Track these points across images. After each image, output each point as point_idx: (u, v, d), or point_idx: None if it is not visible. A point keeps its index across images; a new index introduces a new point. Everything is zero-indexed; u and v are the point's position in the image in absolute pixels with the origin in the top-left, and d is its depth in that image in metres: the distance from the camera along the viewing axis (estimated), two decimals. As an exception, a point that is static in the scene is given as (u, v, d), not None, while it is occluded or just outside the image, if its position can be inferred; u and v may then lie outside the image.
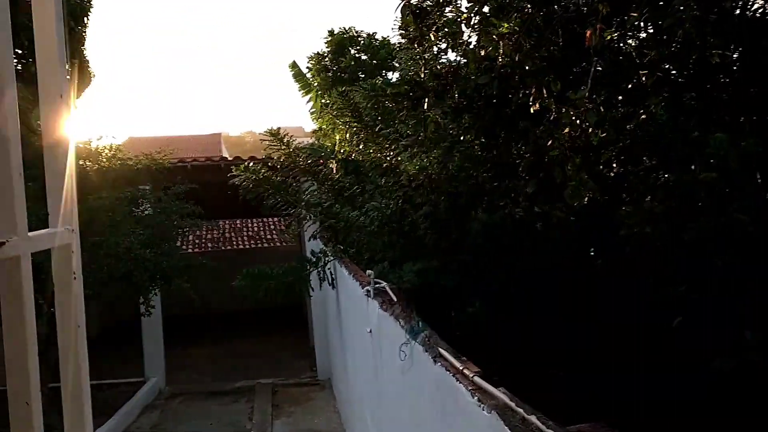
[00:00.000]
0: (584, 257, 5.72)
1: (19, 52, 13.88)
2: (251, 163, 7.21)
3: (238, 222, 21.11)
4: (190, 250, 17.74)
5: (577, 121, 3.56)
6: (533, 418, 1.96)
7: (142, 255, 8.52)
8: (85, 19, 15.82)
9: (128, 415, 9.62)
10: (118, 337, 13.95)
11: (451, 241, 6.87)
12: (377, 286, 4.71)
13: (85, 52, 16.11)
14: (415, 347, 3.30)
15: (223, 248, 18.94)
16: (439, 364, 2.89)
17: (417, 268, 6.27)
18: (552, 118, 3.79)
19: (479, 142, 5.61)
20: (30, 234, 0.98)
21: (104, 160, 9.68)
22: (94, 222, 8.29)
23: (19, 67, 14.21)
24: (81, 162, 9.29)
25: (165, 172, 10.23)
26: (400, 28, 5.49)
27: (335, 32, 15.10)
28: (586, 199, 3.78)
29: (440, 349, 2.97)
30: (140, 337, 11.34)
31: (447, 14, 5.29)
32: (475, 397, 2.38)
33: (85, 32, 16.07)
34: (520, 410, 2.05)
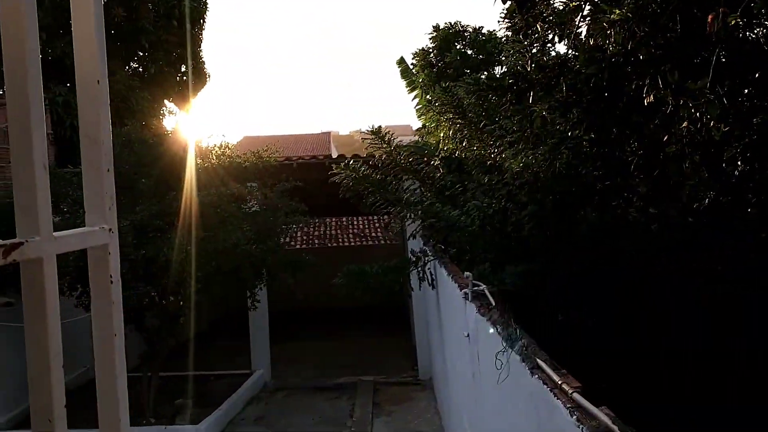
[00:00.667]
0: (705, 265, 5.25)
1: (140, 54, 14.63)
2: (351, 161, 7.18)
3: (344, 219, 21.36)
4: (297, 247, 18.12)
5: (697, 115, 3.23)
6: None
7: (249, 251, 8.70)
8: (202, 21, 16.47)
9: (234, 406, 9.87)
10: (226, 330, 14.43)
11: (558, 243, 6.56)
12: (476, 288, 4.52)
13: (201, 54, 16.79)
14: (512, 356, 3.10)
15: (328, 245, 19.19)
16: (536, 376, 2.68)
17: (520, 270, 6.01)
18: (668, 111, 3.46)
19: (588, 138, 5.29)
20: (56, 234, 0.89)
21: (214, 158, 9.98)
22: (203, 218, 8.54)
23: (140, 69, 14.99)
24: (193, 160, 9.61)
25: (272, 169, 10.43)
26: (505, 17, 5.26)
27: (440, 27, 14.91)
28: (706, 200, 3.43)
29: (538, 359, 2.76)
30: (248, 331, 11.63)
31: (555, 4, 5.02)
32: (574, 416, 2.16)
33: (201, 35, 16.74)
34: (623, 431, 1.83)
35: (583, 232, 6.11)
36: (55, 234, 0.89)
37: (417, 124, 15.15)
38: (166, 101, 15.45)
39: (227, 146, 10.32)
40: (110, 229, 1.00)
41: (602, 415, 2.03)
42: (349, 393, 10.76)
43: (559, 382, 2.44)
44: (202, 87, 16.94)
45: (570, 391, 2.32)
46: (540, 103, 5.37)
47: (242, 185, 9.59)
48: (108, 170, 1.00)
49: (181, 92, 15.23)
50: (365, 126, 8.07)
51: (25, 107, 0.86)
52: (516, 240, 6.47)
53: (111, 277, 1.00)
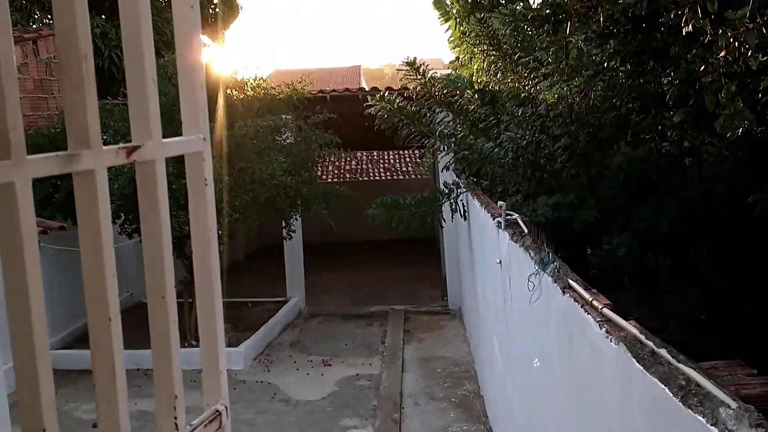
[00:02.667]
0: (740, 198, 5.29)
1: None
2: (386, 93, 7.24)
3: (375, 154, 21.42)
4: (329, 180, 18.31)
5: (735, 44, 3.26)
6: (663, 351, 1.87)
7: (284, 181, 8.90)
8: (233, -49, 16.29)
9: (272, 331, 10.28)
10: (263, 260, 14.82)
11: (591, 176, 6.62)
12: (508, 217, 4.65)
13: (232, -15, 16.65)
14: (543, 278, 3.26)
15: (360, 179, 19.34)
16: (568, 295, 2.84)
17: (552, 202, 6.11)
18: (706, 41, 3.49)
19: (624, 70, 5.29)
20: (164, 140, 1.05)
21: (249, 90, 10.09)
22: (240, 149, 8.72)
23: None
24: (228, 91, 9.74)
25: (305, 102, 10.51)
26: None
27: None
28: (740, 130, 3.48)
29: (570, 280, 2.91)
30: (283, 262, 11.96)
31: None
32: (603, 329, 2.32)
33: (232, -35, 16.57)
34: (650, 343, 1.97)
35: (617, 165, 6.17)
36: (163, 140, 1.05)
37: (448, 57, 14.99)
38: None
39: (261, 79, 10.41)
40: (204, 138, 1.15)
41: (630, 326, 2.18)
42: (380, 321, 11.10)
43: (590, 300, 2.59)
44: (234, 19, 16.90)
45: (600, 307, 2.47)
46: (576, 34, 5.36)
47: (277, 117, 9.72)
48: (201, 86, 1.15)
49: (213, 24, 15.25)
50: (395, 59, 8.10)
51: (134, 25, 1.00)
52: (549, 172, 6.55)
53: (205, 179, 1.15)
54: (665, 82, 4.26)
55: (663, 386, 1.74)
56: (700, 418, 1.53)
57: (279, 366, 9.25)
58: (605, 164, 6.46)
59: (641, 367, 1.90)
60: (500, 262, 4.98)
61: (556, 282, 3.01)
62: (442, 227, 9.58)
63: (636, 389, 1.98)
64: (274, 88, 10.43)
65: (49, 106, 10.20)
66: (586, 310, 2.57)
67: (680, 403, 1.63)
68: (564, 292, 2.87)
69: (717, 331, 5.23)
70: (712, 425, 1.48)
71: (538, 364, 3.53)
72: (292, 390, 8.42)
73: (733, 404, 1.47)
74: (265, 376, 8.89)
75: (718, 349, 4.37)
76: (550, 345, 3.28)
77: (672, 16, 3.48)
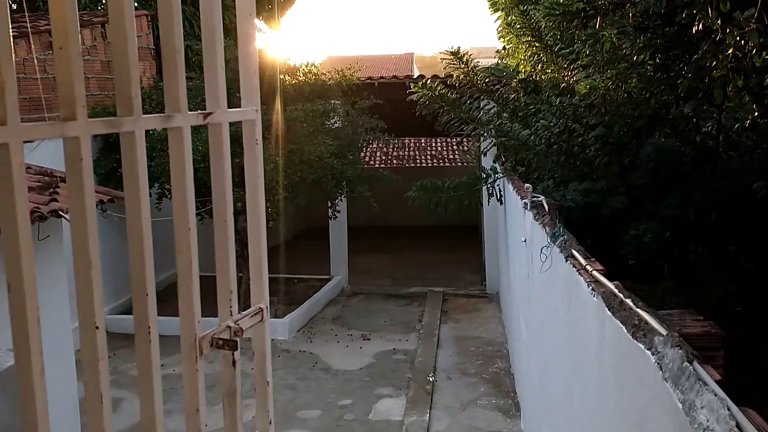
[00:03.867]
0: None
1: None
2: (428, 81, 7.61)
3: (422, 141, 21.73)
4: (375, 165, 18.73)
5: (742, 42, 3.56)
6: (628, 301, 2.24)
7: (331, 163, 9.38)
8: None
9: (315, 306, 10.81)
10: (310, 240, 15.37)
11: (623, 165, 6.88)
12: (534, 199, 5.00)
13: (288, -28, 17.16)
14: (554, 250, 3.61)
15: (406, 165, 19.70)
16: (569, 262, 3.19)
17: (582, 188, 6.40)
18: (716, 39, 3.78)
19: (653, 63, 5.55)
20: (228, 110, 1.48)
21: (300, 75, 10.57)
22: (290, 131, 9.22)
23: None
24: (281, 76, 10.24)
25: (354, 88, 10.95)
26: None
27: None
28: (747, 122, 3.78)
29: (573, 250, 3.26)
30: (328, 243, 12.47)
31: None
32: (590, 287, 2.68)
33: (289, -47, 17.07)
34: (620, 295, 2.34)
35: (646, 155, 6.42)
36: (228, 110, 1.48)
37: (499, 45, 15.16)
38: (256, 20, 16.02)
39: (313, 65, 10.88)
40: (256, 110, 1.58)
41: (610, 284, 2.54)
42: (419, 301, 11.52)
43: (585, 265, 2.95)
44: (291, 6, 17.43)
45: (591, 270, 2.83)
46: (609, 28, 5.64)
47: (326, 102, 10.19)
48: (256, 70, 1.58)
49: (270, 11, 15.79)
50: (450, 47, 8.39)
51: (209, 15, 1.43)
52: (581, 159, 6.83)
53: (256, 140, 1.58)
54: (681, 74, 4.54)
55: (621, 325, 2.11)
56: (641, 345, 1.90)
57: (321, 338, 9.76)
58: (639, 154, 6.71)
59: (610, 313, 2.27)
60: (525, 240, 5.34)
61: (561, 252, 3.37)
62: (479, 210, 9.92)
63: (607, 332, 2.34)
64: (325, 74, 10.89)
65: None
66: (580, 274, 2.93)
67: (631, 336, 1.99)
68: (566, 260, 3.23)
69: (750, 322, 5.47)
70: (647, 350, 1.84)
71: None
72: (332, 360, 8.92)
73: (664, 332, 1.82)
74: (308, 346, 9.42)
75: (749, 339, 4.66)
76: (556, 308, 3.65)
77: (684, 14, 3.78)
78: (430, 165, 20.21)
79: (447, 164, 20.22)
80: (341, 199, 10.66)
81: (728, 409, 1.42)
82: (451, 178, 8.84)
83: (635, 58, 5.53)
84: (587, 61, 6.84)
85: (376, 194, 10.47)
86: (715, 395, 1.49)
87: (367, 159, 15.15)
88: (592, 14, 4.78)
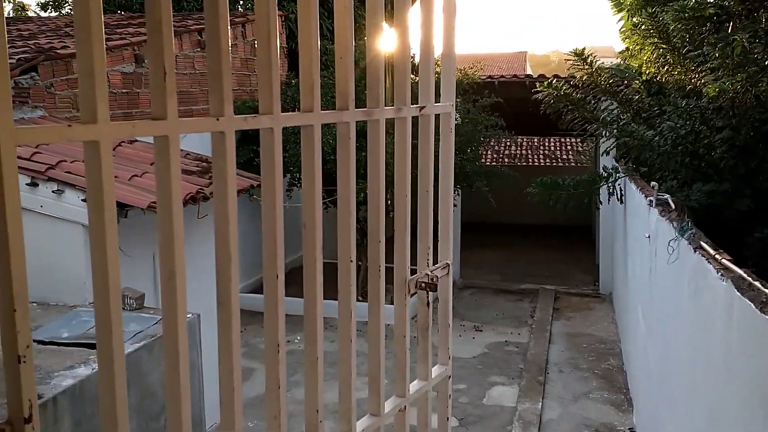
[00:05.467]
0: None
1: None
2: (554, 81, 7.85)
3: (535, 140, 21.75)
4: (488, 163, 18.96)
5: None
6: (757, 283, 2.48)
7: (451, 159, 9.76)
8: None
9: (428, 296, 11.22)
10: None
11: (749, 168, 6.86)
12: (659, 196, 5.19)
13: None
14: (681, 243, 3.83)
15: (518, 164, 19.81)
16: (698, 253, 3.42)
17: (707, 189, 6.47)
18: None
19: (787, 67, 5.58)
20: (436, 104, 1.90)
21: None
22: (415, 128, 9.66)
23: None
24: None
25: (474, 86, 11.28)
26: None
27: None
28: None
29: (701, 242, 3.48)
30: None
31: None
32: (719, 273, 2.91)
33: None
34: (749, 278, 2.57)
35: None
36: (435, 104, 1.89)
37: (619, 45, 15.03)
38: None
39: (436, 63, 11.28)
40: (452, 104, 1.99)
41: (739, 270, 2.77)
42: (530, 298, 11.71)
43: (714, 254, 3.18)
44: (412, 4, 17.89)
45: (720, 259, 3.06)
46: (741, 32, 5.71)
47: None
48: (453, 71, 1.99)
49: (392, 9, 16.31)
50: (562, 46, 8.60)
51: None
52: (706, 161, 6.87)
53: (451, 129, 1.99)
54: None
55: (750, 303, 2.36)
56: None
57: (434, 327, 10.17)
58: (766, 158, 6.69)
59: (739, 294, 2.52)
60: (648, 236, 5.52)
61: (690, 244, 3.60)
62: (598, 209, 10.03)
63: (735, 312, 2.59)
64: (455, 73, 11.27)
65: (252, 82, 11.70)
66: (709, 262, 3.16)
67: (759, 311, 2.25)
68: (695, 251, 3.45)
69: None
70: (775, 321, 2.11)
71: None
72: (446, 347, 9.31)
73: (792, 306, 2.08)
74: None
75: None
76: (681, 298, 3.86)
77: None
78: (542, 164, 20.24)
79: (560, 164, 20.18)
80: (457, 194, 11.02)
81: None
82: (564, 177, 9.02)
83: (766, 62, 5.57)
84: (716, 64, 6.87)
85: (492, 190, 10.76)
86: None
87: (485, 152, 15.45)
88: (725, 18, 4.91)
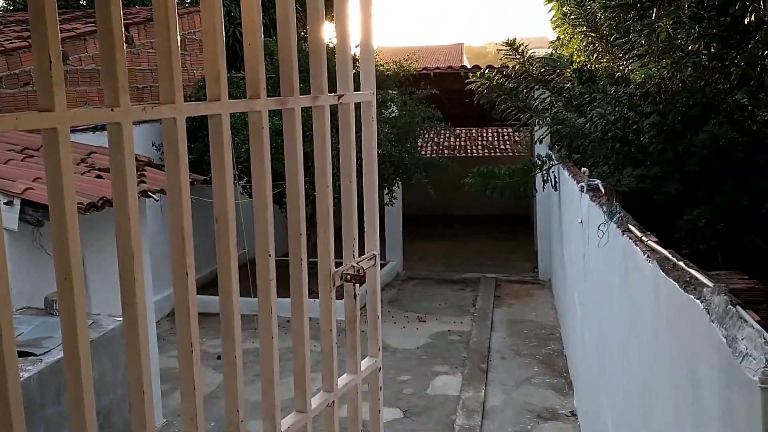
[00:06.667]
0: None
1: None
2: (486, 71, 7.91)
3: (473, 131, 21.94)
4: (427, 155, 19.04)
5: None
6: (681, 263, 2.54)
7: (389, 151, 9.75)
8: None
9: (371, 289, 11.21)
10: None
11: (677, 152, 7.06)
12: (590, 182, 5.28)
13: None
14: (611, 227, 3.90)
15: (458, 155, 19.94)
16: (626, 236, 3.48)
17: (637, 174, 6.61)
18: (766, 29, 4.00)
19: (708, 53, 5.74)
20: (354, 92, 1.85)
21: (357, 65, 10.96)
22: (351, 120, 9.62)
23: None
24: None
25: (410, 78, 11.29)
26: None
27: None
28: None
29: (629, 225, 3.55)
30: (383, 226, 12.86)
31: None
32: (646, 255, 2.97)
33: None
34: (673, 259, 2.63)
35: (701, 142, 6.59)
36: (354, 93, 1.85)
37: (552, 35, 15.30)
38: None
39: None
40: (372, 93, 1.95)
41: (665, 251, 2.83)
42: (472, 286, 11.83)
43: (641, 237, 3.24)
44: (345, -1, 17.77)
45: (647, 241, 3.12)
46: (665, 19, 5.85)
47: (384, 92, 10.55)
48: (372, 60, 1.94)
49: (328, 3, 16.19)
50: (499, 37, 8.67)
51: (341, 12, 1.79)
52: (636, 147, 7.04)
53: (372, 118, 1.95)
54: (727, 64, 4.74)
55: (674, 283, 2.41)
56: (692, 296, 2.20)
57: (363, 319, 10.17)
58: (693, 141, 6.89)
59: (664, 274, 2.57)
60: (581, 221, 5.62)
61: (618, 227, 3.66)
62: (534, 197, 10.17)
63: (662, 291, 2.64)
64: (382, 65, 11.26)
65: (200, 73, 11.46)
66: (637, 245, 3.22)
67: (683, 291, 2.30)
68: (623, 234, 3.52)
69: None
70: (697, 299, 2.15)
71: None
72: (390, 340, 9.31)
73: (711, 284, 2.13)
74: (365, 326, 9.83)
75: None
76: (612, 282, 3.94)
77: (737, 6, 4.01)
78: (481, 155, 20.44)
79: (498, 154, 20.42)
80: (398, 186, 11.03)
81: (764, 339, 1.72)
82: (501, 166, 9.13)
83: (690, 47, 5.73)
84: (643, 50, 7.04)
85: (431, 182, 10.81)
86: (753, 328, 1.79)
87: (423, 145, 15.51)
88: (648, 5, 5.02)
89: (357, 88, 1.91)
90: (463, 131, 21.71)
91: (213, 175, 1.50)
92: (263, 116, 1.55)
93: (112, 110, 1.23)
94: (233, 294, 1.54)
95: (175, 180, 1.37)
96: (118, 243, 1.28)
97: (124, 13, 1.23)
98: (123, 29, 1.24)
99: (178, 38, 1.36)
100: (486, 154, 20.59)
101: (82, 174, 5.84)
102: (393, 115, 10.94)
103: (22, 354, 4.26)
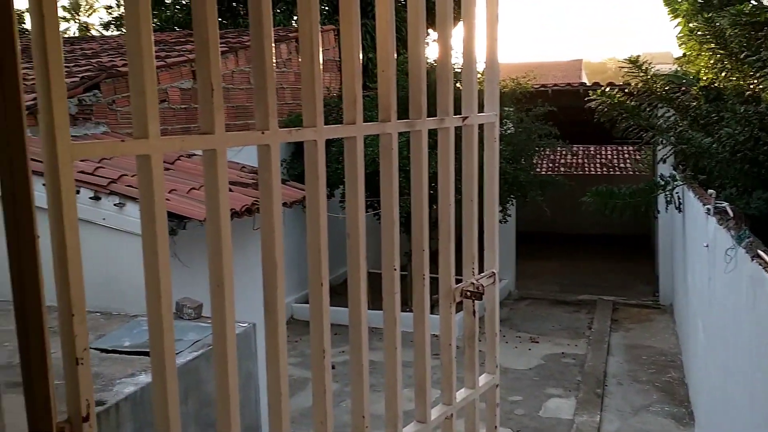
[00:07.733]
0: None
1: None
2: (608, 88, 7.74)
3: (591, 148, 21.38)
4: (543, 173, 18.73)
5: None
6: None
7: (503, 168, 9.70)
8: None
9: (482, 307, 11.14)
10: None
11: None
12: (717, 205, 5.06)
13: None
14: (738, 251, 3.73)
15: (574, 173, 19.49)
16: (756, 262, 3.32)
17: (767, 197, 6.27)
18: None
19: None
20: (478, 114, 1.92)
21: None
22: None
23: None
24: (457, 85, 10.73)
25: (527, 95, 11.20)
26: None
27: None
28: None
29: (759, 250, 3.39)
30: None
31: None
32: (777, 282, 2.83)
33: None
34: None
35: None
36: (478, 114, 1.92)
37: (677, 52, 14.71)
38: (429, 29, 16.66)
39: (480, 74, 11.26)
40: (496, 114, 2.01)
41: (799, 279, 2.69)
42: (588, 309, 11.50)
43: (772, 263, 3.09)
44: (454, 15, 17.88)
45: (778, 267, 2.97)
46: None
47: (501, 109, 10.53)
48: (497, 81, 2.01)
49: (434, 21, 16.32)
50: (619, 53, 8.47)
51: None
52: (766, 168, 6.67)
53: (495, 138, 2.01)
54: None
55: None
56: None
57: (481, 336, 10.09)
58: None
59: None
60: (707, 245, 5.39)
61: (747, 253, 3.50)
62: (656, 218, 9.81)
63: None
64: (499, 82, 11.23)
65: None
66: (767, 271, 3.07)
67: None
68: (752, 260, 3.36)
69: None
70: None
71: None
72: (501, 359, 9.18)
73: None
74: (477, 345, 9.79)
75: None
76: (739, 308, 3.75)
77: None
78: (599, 173, 19.87)
79: (617, 172, 19.78)
80: (512, 203, 10.94)
81: None
82: (620, 185, 8.86)
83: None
84: (777, 68, 6.68)
85: (546, 200, 10.65)
86: None
87: (538, 162, 15.30)
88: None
89: (479, 108, 1.97)
90: (581, 149, 21.21)
91: (347, 192, 1.60)
92: (393, 138, 1.65)
93: (262, 133, 1.37)
94: (362, 305, 1.64)
95: (313, 197, 1.49)
96: (263, 255, 1.40)
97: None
98: (273, 59, 1.37)
99: (321, 68, 1.48)
100: (604, 173, 20.00)
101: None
102: (509, 131, 10.89)
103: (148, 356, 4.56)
